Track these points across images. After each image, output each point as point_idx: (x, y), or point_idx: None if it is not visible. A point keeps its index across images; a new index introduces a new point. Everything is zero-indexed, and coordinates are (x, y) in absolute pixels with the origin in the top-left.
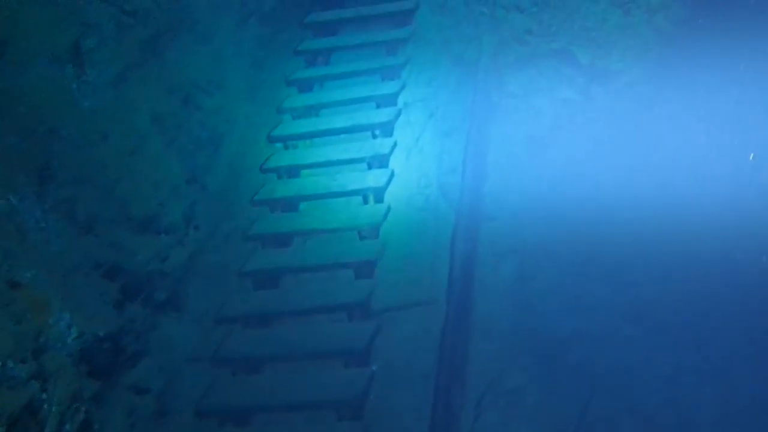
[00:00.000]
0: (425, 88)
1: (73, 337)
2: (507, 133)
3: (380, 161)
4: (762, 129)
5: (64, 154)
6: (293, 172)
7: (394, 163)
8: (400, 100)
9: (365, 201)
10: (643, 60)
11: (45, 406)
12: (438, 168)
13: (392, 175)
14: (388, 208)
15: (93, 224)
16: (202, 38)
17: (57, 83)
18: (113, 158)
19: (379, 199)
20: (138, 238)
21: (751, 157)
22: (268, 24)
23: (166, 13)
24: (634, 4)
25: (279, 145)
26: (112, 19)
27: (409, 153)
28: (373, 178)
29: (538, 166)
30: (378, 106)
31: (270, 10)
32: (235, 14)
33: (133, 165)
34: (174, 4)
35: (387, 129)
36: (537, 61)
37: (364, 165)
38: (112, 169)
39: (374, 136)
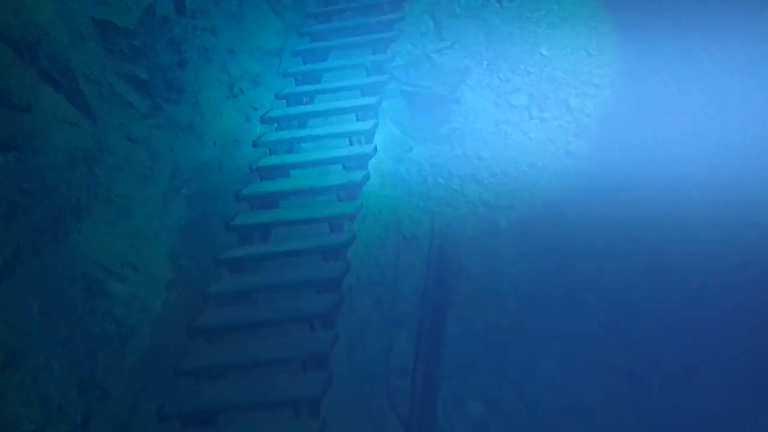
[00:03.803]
0: (372, 269)
1: None
2: (465, 321)
3: (317, 361)
4: None
5: None
6: (215, 373)
7: (335, 362)
8: (345, 284)
9: (296, 413)
10: None
11: None
12: (385, 368)
13: (330, 378)
14: (324, 424)
15: None
16: (120, 213)
17: None
18: None
19: (313, 412)
20: None
21: None
22: (200, 196)
23: (76, 188)
24: None
25: (201, 339)
26: (4, 203)
27: (352, 349)
28: (308, 384)
29: (500, 365)
30: (318, 292)
31: (202, 181)
32: (162, 185)
33: (4, 381)
34: (87, 178)
35: (327, 320)
36: (496, 237)
37: (298, 366)
38: None
39: (312, 329)
